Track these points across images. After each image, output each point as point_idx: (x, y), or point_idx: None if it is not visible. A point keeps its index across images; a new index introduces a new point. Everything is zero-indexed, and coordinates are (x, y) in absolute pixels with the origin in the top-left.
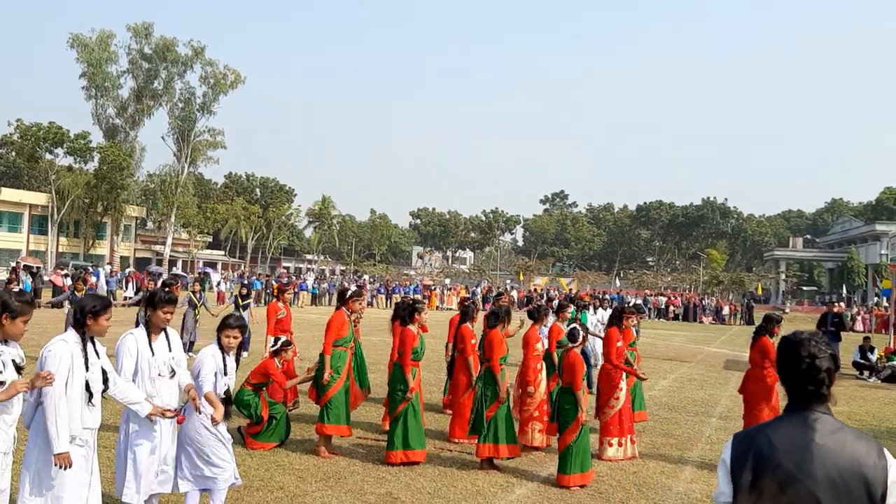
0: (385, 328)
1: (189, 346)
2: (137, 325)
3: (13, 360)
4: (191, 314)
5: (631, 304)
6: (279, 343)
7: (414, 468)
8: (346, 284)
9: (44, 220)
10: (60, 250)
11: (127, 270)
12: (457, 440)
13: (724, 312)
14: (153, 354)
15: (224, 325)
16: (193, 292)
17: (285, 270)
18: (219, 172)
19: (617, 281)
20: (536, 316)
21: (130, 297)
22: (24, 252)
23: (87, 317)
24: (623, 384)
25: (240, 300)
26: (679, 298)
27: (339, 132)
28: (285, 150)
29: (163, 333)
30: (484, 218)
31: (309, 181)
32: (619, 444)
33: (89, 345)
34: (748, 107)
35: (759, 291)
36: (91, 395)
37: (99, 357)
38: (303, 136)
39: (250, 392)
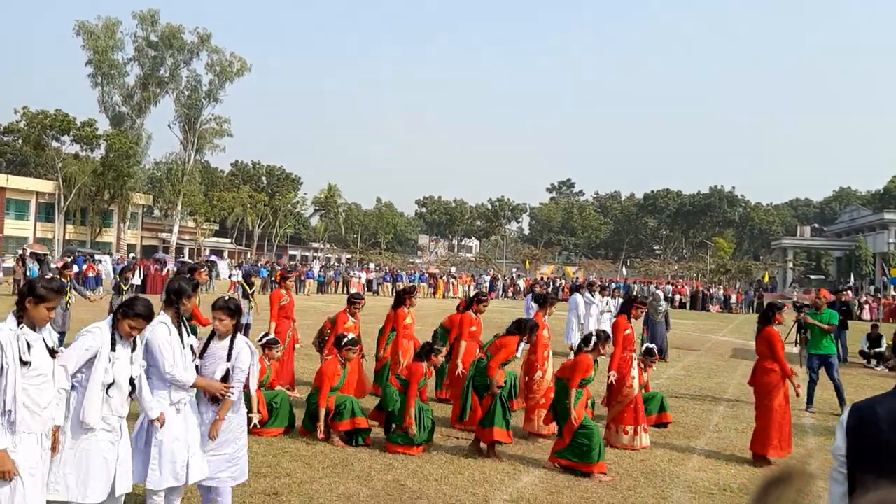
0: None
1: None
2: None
3: (46, 345)
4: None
5: (658, 295)
6: (265, 339)
7: (421, 455)
8: (351, 273)
9: (50, 208)
10: (67, 238)
11: (131, 255)
12: (461, 427)
13: (731, 301)
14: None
15: (212, 307)
16: (190, 279)
17: (282, 259)
18: (225, 160)
19: (624, 269)
20: (542, 303)
21: (101, 292)
22: (31, 239)
23: (117, 313)
24: (634, 372)
25: (246, 287)
26: (686, 287)
27: (344, 120)
28: (291, 139)
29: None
30: (490, 206)
31: (315, 169)
32: (635, 433)
33: (121, 346)
34: (756, 95)
35: (767, 280)
36: (133, 386)
37: (132, 362)
38: (309, 125)
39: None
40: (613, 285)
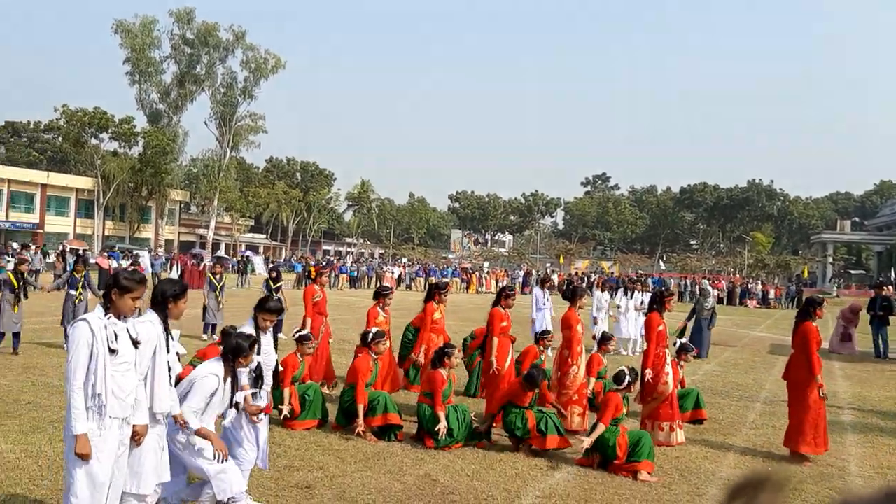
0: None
1: (212, 329)
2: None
3: (129, 333)
4: (212, 297)
5: (707, 291)
6: (299, 334)
7: (453, 451)
8: (384, 268)
9: (90, 205)
10: (106, 234)
11: (163, 251)
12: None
13: (770, 296)
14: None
15: (265, 309)
16: (214, 274)
17: (311, 254)
18: (260, 157)
19: (661, 264)
20: (572, 297)
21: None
22: (71, 235)
23: (167, 301)
24: (668, 368)
25: (271, 283)
26: (723, 282)
27: (378, 116)
28: (325, 135)
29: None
30: (524, 201)
31: (348, 165)
32: (671, 429)
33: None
34: (793, 87)
35: (806, 275)
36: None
37: (174, 339)
38: (343, 120)
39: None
40: (648, 280)
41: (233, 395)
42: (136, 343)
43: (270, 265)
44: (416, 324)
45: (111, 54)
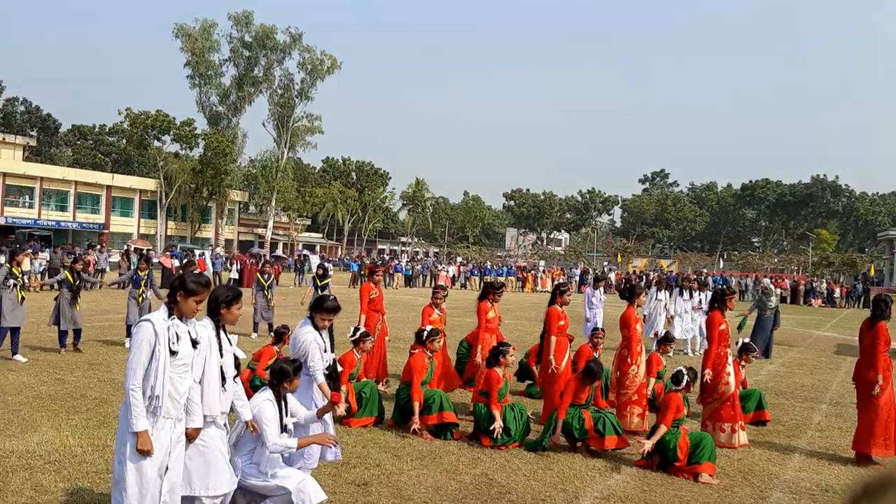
0: None
1: (269, 328)
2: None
3: (189, 335)
4: (261, 296)
5: (770, 289)
6: (358, 333)
7: (510, 450)
8: (439, 266)
9: (153, 205)
10: (169, 234)
11: (222, 251)
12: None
13: (835, 295)
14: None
15: (322, 308)
16: (262, 273)
17: (366, 253)
18: (316, 157)
19: (721, 262)
20: (630, 296)
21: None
22: (135, 235)
23: (220, 306)
24: (730, 368)
25: (318, 281)
26: (786, 280)
27: (432, 115)
28: (380, 134)
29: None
30: (580, 198)
31: (403, 164)
32: (732, 431)
33: (222, 332)
34: (858, 80)
35: (873, 273)
36: (224, 380)
37: (231, 344)
38: (398, 119)
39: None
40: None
41: (282, 418)
42: (195, 344)
43: (318, 263)
44: (470, 339)
45: (172, 58)
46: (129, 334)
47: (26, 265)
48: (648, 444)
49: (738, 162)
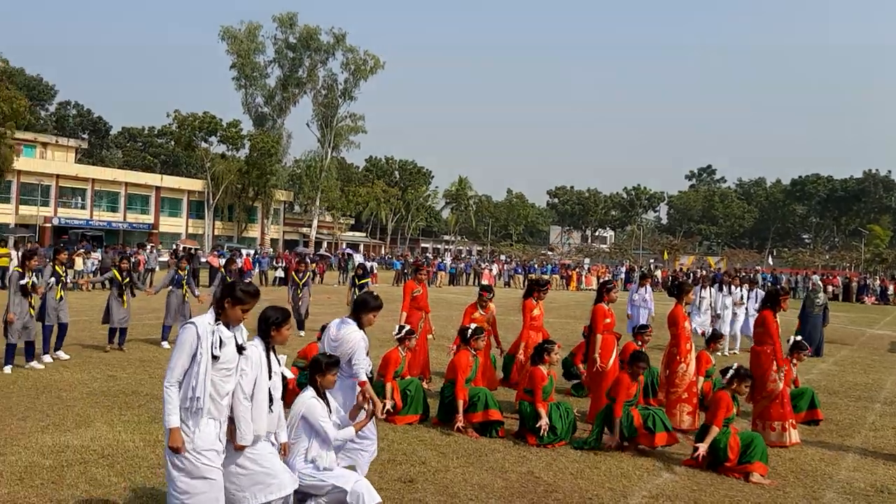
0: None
1: (300, 325)
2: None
3: (235, 341)
4: (295, 294)
5: (818, 286)
6: (403, 331)
7: (556, 448)
8: (483, 265)
9: (200, 205)
10: (216, 233)
11: (269, 250)
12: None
13: (889, 292)
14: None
15: (371, 308)
16: (297, 272)
17: (409, 252)
18: (360, 156)
19: (770, 259)
20: (678, 293)
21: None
22: (183, 235)
23: (270, 328)
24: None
25: (357, 280)
26: (838, 277)
27: (475, 113)
28: (423, 133)
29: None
30: (625, 195)
31: (446, 163)
32: (783, 429)
33: (271, 353)
34: None
35: None
36: (272, 402)
37: (280, 365)
38: (440, 118)
39: (379, 383)
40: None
41: (269, 367)
42: (241, 349)
43: (357, 262)
44: (513, 351)
45: (219, 61)
46: (164, 336)
47: (79, 265)
48: (702, 448)
49: (788, 157)
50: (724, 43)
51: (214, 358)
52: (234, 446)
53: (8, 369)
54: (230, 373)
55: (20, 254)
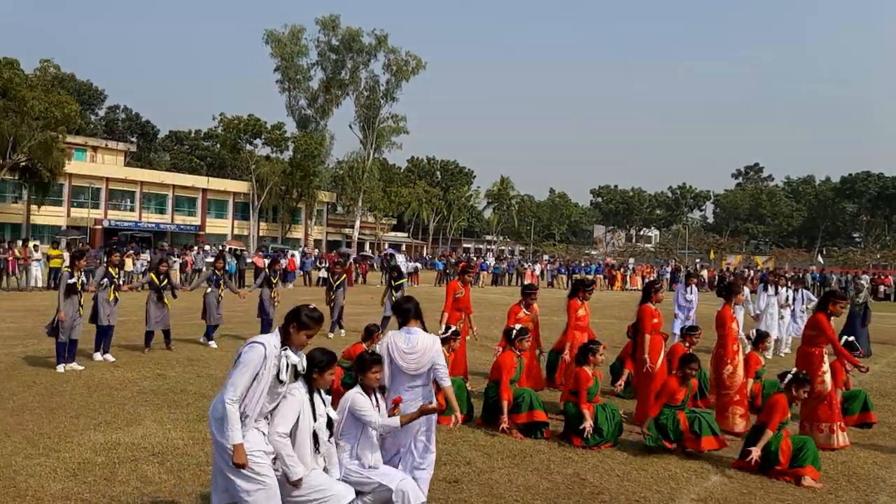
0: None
1: (336, 326)
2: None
3: (294, 366)
4: (328, 295)
5: (861, 283)
6: (449, 332)
7: (602, 450)
8: (525, 265)
9: (245, 207)
10: (261, 234)
11: (316, 250)
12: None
13: None
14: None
15: (418, 315)
16: (332, 273)
17: (451, 252)
18: (402, 157)
19: (820, 258)
20: (728, 293)
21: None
22: (229, 236)
23: (313, 370)
24: (826, 367)
25: (392, 282)
26: (890, 277)
27: (517, 112)
28: (465, 133)
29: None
30: (671, 194)
31: (488, 163)
32: (831, 431)
33: (316, 395)
34: None
35: None
36: (317, 444)
37: (326, 405)
38: (482, 118)
39: None
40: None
41: (314, 408)
42: (297, 375)
43: (393, 264)
44: (557, 350)
45: (264, 64)
46: (207, 334)
47: (129, 266)
48: (756, 452)
49: (837, 154)
50: (765, 37)
51: (280, 382)
52: (287, 483)
53: (60, 368)
54: (282, 395)
55: (70, 254)
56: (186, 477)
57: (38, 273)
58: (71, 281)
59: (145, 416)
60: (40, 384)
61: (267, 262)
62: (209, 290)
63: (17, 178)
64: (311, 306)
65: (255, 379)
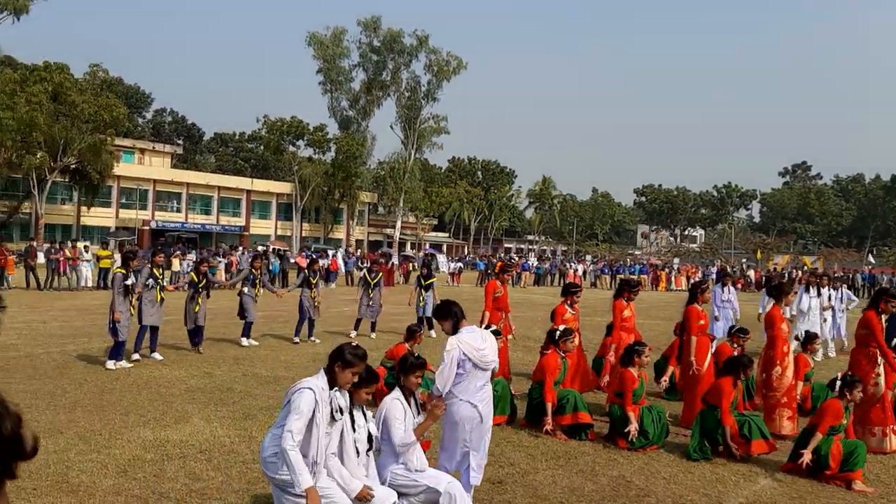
0: (610, 308)
1: (372, 327)
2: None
3: (339, 405)
4: (365, 295)
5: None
6: (490, 331)
7: (648, 453)
8: (568, 265)
9: (289, 208)
10: (303, 235)
11: (358, 251)
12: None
13: None
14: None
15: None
16: (369, 272)
17: (492, 252)
18: (442, 157)
19: (870, 258)
20: (777, 294)
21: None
22: (272, 236)
23: (335, 364)
24: (880, 369)
25: (422, 281)
26: None
27: (558, 111)
28: (506, 133)
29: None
30: (716, 193)
31: (529, 162)
32: (884, 434)
33: (356, 410)
34: None
35: None
36: (357, 454)
37: (366, 421)
38: (523, 117)
39: None
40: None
41: (418, 413)
42: (341, 412)
43: (422, 261)
44: (602, 353)
45: (306, 66)
46: (244, 333)
47: (176, 266)
48: (807, 455)
49: (888, 152)
50: (816, 30)
51: (332, 420)
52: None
53: (111, 364)
54: (334, 434)
55: (122, 255)
56: (233, 474)
57: (88, 273)
58: (127, 282)
59: (193, 414)
60: (91, 382)
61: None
62: (246, 289)
63: (67, 180)
64: (354, 344)
65: (310, 425)
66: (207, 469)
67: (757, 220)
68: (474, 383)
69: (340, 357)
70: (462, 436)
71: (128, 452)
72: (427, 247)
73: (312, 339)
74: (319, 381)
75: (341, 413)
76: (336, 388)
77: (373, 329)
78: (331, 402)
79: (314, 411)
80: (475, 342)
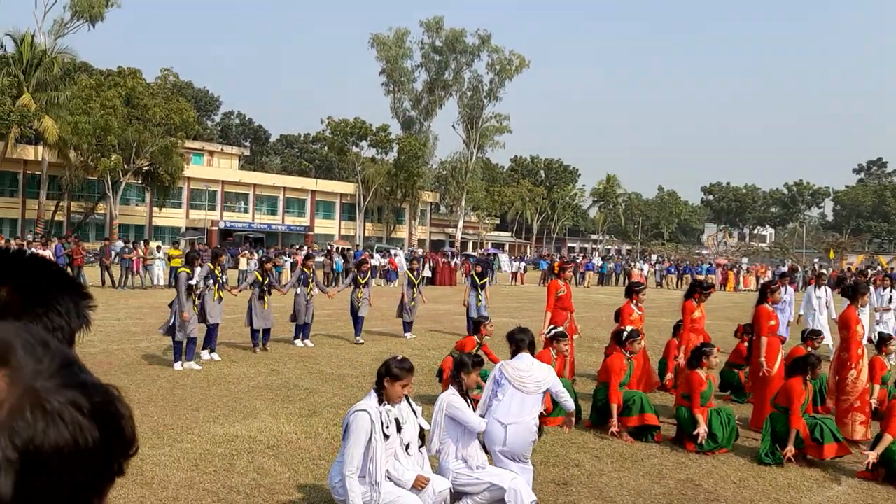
0: (677, 309)
1: (408, 327)
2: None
3: (396, 420)
4: (409, 293)
5: None
6: (553, 332)
7: (717, 456)
8: (633, 264)
9: (352, 208)
10: (366, 234)
11: (419, 250)
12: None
13: None
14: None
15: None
16: (411, 270)
17: (555, 251)
18: (505, 156)
19: None
20: (852, 294)
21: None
22: (336, 236)
23: (383, 380)
24: None
25: (476, 279)
26: None
27: (624, 109)
28: (570, 131)
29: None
30: (786, 191)
31: (593, 161)
32: None
33: (405, 403)
34: None
35: None
36: (408, 447)
37: (417, 416)
38: (587, 114)
39: None
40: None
41: (473, 409)
42: (399, 429)
43: (475, 260)
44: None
45: (369, 67)
46: (297, 334)
47: (243, 265)
48: (873, 456)
49: None
50: (885, 21)
51: (386, 437)
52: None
53: (178, 366)
54: (392, 448)
55: (186, 255)
56: (300, 470)
57: (160, 272)
58: (191, 282)
59: (261, 410)
60: (164, 378)
61: (373, 262)
62: (298, 290)
63: (140, 181)
64: (400, 357)
65: (368, 445)
66: (275, 465)
67: (830, 218)
68: (511, 404)
69: (388, 372)
70: (492, 449)
71: (199, 447)
72: (489, 246)
73: (357, 339)
74: (371, 402)
75: (398, 430)
76: (385, 403)
77: (406, 328)
78: (381, 418)
79: (371, 434)
80: (519, 363)
